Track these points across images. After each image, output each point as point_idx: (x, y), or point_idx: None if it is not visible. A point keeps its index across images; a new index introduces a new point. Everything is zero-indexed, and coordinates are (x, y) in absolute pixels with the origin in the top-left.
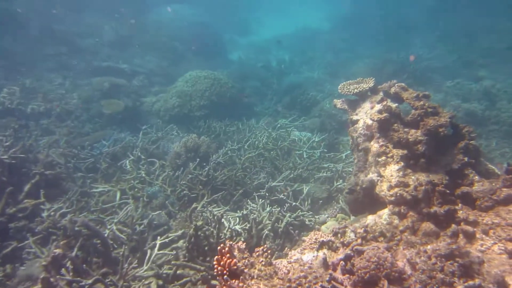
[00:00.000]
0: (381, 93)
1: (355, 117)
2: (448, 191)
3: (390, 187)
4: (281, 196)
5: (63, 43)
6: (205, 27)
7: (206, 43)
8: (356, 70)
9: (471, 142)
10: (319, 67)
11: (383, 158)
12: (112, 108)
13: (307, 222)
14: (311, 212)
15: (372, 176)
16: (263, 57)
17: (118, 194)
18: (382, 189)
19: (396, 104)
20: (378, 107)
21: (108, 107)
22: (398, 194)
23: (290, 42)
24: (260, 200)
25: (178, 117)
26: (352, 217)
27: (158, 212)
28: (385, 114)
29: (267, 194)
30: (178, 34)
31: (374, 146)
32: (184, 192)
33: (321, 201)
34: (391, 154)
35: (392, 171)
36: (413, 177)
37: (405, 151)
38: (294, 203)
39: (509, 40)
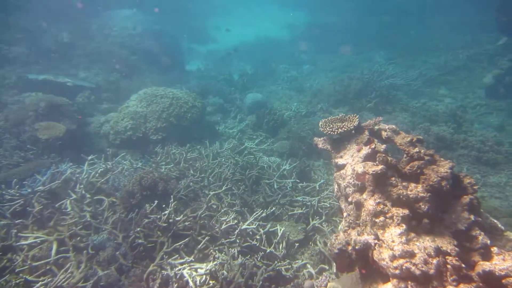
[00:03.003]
0: (366, 132)
1: (340, 161)
2: (463, 265)
3: (393, 257)
4: (254, 242)
5: None
6: (160, 35)
7: (161, 53)
8: (322, 86)
9: (474, 195)
10: (283, 81)
11: (381, 218)
12: (50, 133)
13: (283, 273)
14: (287, 260)
15: (368, 238)
16: (224, 68)
17: (55, 246)
18: (383, 257)
19: (385, 146)
20: (365, 150)
21: (44, 132)
22: (404, 267)
23: (251, 52)
24: (230, 249)
25: (131, 141)
26: (342, 277)
27: (106, 272)
28: (381, 167)
29: (237, 240)
30: (130, 43)
31: (370, 203)
32: (139, 240)
33: (297, 244)
34: (390, 214)
35: (393, 235)
36: (418, 244)
37: (407, 211)
38: (268, 250)
39: (463, 57)
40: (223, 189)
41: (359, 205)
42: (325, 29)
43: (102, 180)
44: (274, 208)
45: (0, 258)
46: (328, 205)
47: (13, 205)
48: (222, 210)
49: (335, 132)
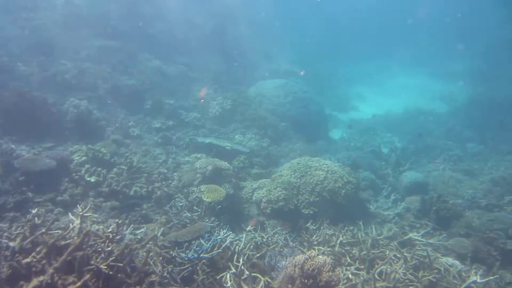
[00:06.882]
0: None
1: None
2: None
3: None
4: None
5: (170, 116)
6: (308, 103)
7: (308, 121)
8: (506, 173)
9: None
10: (444, 161)
11: None
12: (212, 196)
13: None
14: None
15: None
16: (369, 138)
17: None
18: None
19: None
20: None
21: (208, 195)
22: None
23: (398, 123)
24: None
25: (282, 212)
26: None
27: None
28: None
29: None
30: (280, 110)
31: None
32: None
33: None
34: None
35: None
36: None
37: None
38: None
39: None
40: None
41: None
42: (494, 103)
43: (258, 255)
44: None
45: None
46: None
47: (183, 270)
48: None
49: None
